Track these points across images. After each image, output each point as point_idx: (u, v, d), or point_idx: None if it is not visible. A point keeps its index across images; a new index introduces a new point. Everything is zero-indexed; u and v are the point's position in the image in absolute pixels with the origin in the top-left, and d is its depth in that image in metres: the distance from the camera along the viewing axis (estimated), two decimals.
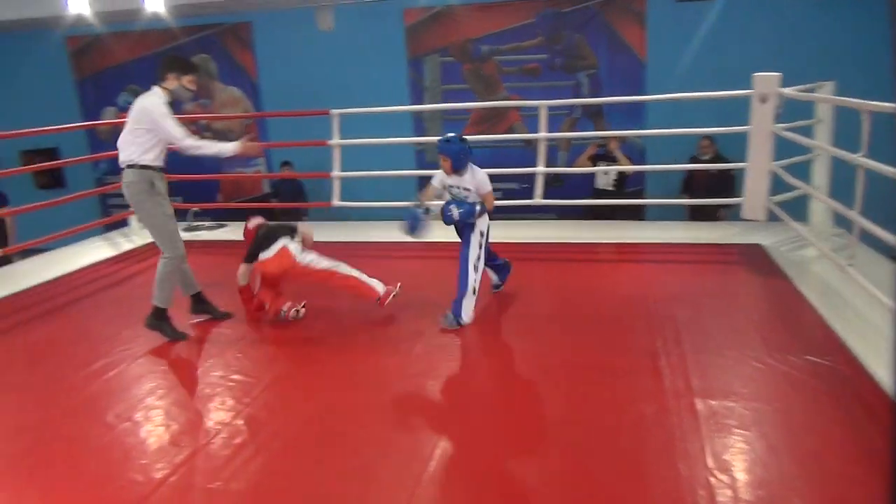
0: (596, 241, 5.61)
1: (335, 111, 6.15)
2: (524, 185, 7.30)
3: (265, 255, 3.94)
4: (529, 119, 7.76)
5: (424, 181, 7.63)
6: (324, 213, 6.99)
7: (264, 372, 3.42)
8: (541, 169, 5.85)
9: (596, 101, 7.59)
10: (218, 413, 3.04)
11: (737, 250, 5.16)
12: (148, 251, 5.92)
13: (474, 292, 3.87)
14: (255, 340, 3.90)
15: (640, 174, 7.63)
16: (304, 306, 4.09)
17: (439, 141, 3.88)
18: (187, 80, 3.84)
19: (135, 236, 6.45)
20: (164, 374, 3.51)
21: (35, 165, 7.43)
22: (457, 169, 3.84)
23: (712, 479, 2.36)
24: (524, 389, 3.17)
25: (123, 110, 8.55)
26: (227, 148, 3.88)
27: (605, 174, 6.98)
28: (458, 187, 3.89)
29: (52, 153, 8.96)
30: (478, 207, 3.86)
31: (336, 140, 6.19)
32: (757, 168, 5.03)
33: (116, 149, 3.85)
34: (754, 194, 5.09)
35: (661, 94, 6.15)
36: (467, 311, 3.85)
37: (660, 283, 4.54)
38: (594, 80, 7.84)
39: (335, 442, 2.77)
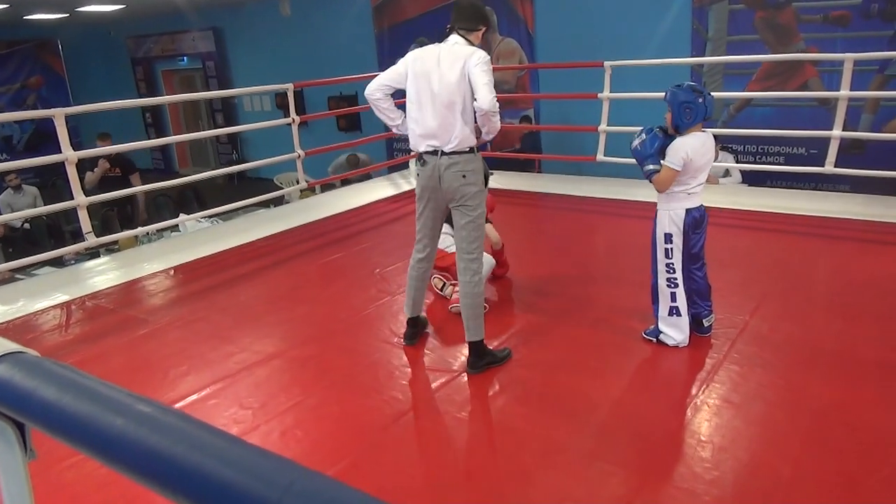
0: None
1: (608, 63, 6.02)
2: (812, 151, 6.51)
3: None
4: (828, 75, 6.79)
5: None
6: (585, 167, 6.95)
7: (520, 313, 3.60)
8: (837, 132, 5.14)
9: None
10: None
11: None
12: None
13: (677, 313, 3.11)
14: (514, 284, 4.09)
15: None
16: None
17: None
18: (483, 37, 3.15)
19: (412, 179, 7.07)
20: (426, 306, 3.85)
21: (336, 111, 8.49)
22: (676, 126, 2.98)
23: None
24: (780, 377, 2.90)
25: None
26: (498, 128, 3.08)
27: None
28: None
29: (353, 99, 10.10)
30: (649, 166, 2.97)
31: (606, 93, 6.07)
32: None
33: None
34: None
35: None
36: (672, 336, 3.13)
37: None
38: None
39: (574, 396, 2.85)
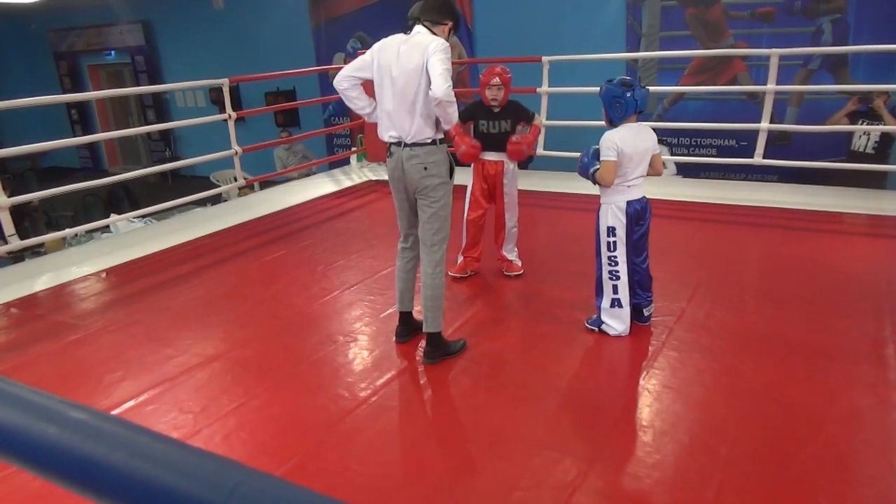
0: (823, 208, 5.04)
1: (546, 58, 6.10)
2: (742, 143, 6.76)
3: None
4: (756, 70, 7.08)
5: None
6: (524, 161, 7.01)
7: (466, 308, 3.62)
8: (765, 125, 5.35)
9: (845, 50, 6.67)
10: (415, 343, 3.29)
11: None
12: (365, 188, 6.44)
13: (619, 305, 3.18)
14: (456, 278, 4.10)
15: None
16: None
17: None
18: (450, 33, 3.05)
19: (354, 174, 7.01)
20: (371, 303, 3.84)
21: (274, 106, 8.32)
22: (610, 120, 3.09)
23: None
24: (717, 361, 3.01)
25: (351, 55, 9.21)
26: (455, 119, 2.97)
27: (865, 135, 6.16)
28: None
29: (290, 95, 9.93)
30: (592, 169, 3.09)
31: (545, 88, 6.15)
32: None
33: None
34: None
35: None
36: (613, 327, 3.21)
37: None
38: (839, 26, 6.89)
39: (519, 387, 2.88)
